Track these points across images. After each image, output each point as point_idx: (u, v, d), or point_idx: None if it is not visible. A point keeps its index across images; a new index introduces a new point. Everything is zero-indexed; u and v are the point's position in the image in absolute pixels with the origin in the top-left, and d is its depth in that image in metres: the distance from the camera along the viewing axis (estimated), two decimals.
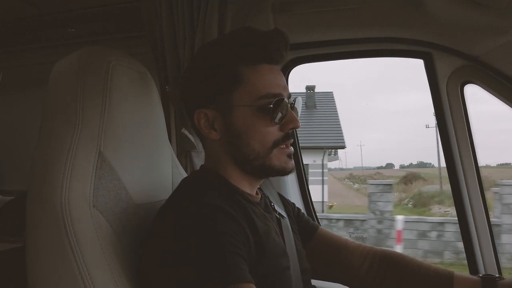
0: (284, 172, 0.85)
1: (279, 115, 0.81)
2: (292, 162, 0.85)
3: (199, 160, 1.34)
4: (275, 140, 0.82)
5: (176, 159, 1.07)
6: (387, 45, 1.45)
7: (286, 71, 1.61)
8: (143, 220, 0.83)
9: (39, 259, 0.71)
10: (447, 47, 1.33)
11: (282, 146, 0.83)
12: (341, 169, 28.91)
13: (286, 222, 0.94)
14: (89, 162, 0.75)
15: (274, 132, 0.82)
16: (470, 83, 1.36)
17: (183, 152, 1.36)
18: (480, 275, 0.92)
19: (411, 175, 19.09)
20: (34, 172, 0.74)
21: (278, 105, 0.80)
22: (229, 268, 0.65)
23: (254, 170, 0.84)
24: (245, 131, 0.81)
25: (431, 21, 1.26)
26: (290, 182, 1.60)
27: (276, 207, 0.95)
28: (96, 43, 1.72)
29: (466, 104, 1.39)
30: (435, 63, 1.38)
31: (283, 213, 0.96)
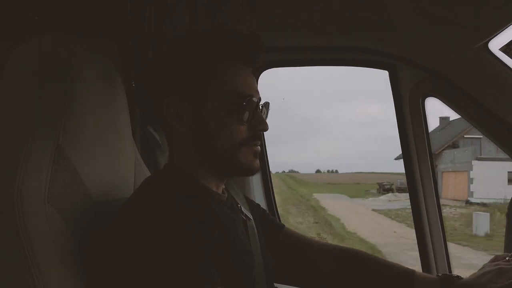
0: (250, 170, 0.85)
1: (249, 115, 0.82)
2: (257, 162, 0.85)
3: (163, 159, 1.31)
4: (243, 138, 0.82)
5: (139, 157, 1.04)
6: (354, 55, 1.49)
7: (256, 75, 1.61)
8: (101, 218, 0.79)
9: None
10: (410, 60, 1.38)
11: (249, 145, 0.83)
12: None
13: (252, 224, 0.93)
14: (45, 155, 0.71)
15: (243, 131, 0.82)
16: (430, 96, 1.42)
17: (147, 150, 1.33)
18: (439, 275, 0.94)
19: None
20: None
21: (249, 105, 0.81)
22: (195, 272, 0.65)
23: (221, 166, 0.84)
24: (215, 126, 0.82)
25: (395, 33, 1.30)
26: (255, 183, 1.60)
27: (243, 209, 0.94)
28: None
29: (426, 116, 1.46)
30: (398, 75, 1.44)
31: (249, 215, 0.95)
